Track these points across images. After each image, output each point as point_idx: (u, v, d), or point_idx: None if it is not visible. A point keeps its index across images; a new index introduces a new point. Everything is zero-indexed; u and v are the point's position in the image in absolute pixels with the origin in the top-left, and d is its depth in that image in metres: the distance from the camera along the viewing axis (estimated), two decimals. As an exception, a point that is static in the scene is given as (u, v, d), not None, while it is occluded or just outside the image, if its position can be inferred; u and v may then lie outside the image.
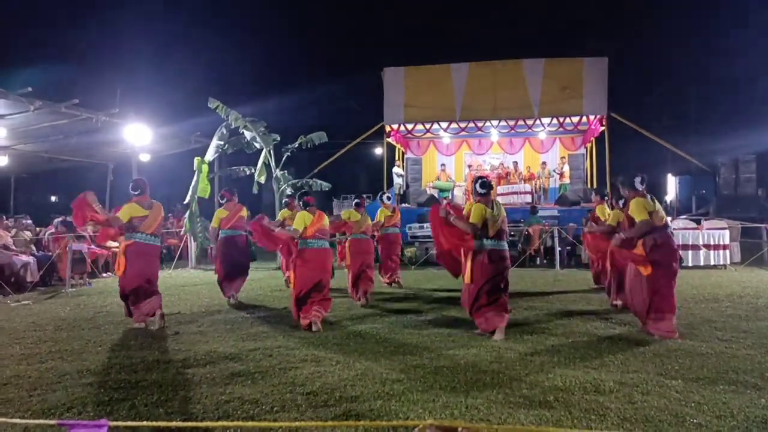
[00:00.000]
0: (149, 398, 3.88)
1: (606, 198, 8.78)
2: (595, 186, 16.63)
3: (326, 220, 6.62)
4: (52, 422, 2.14)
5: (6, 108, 10.55)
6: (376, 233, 9.58)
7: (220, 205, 8.59)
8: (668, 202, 21.38)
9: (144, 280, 6.36)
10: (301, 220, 6.36)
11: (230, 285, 8.34)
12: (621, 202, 7.06)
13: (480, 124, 17.81)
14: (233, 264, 8.35)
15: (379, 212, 9.92)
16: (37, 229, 13.01)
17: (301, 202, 6.56)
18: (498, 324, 5.71)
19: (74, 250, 10.29)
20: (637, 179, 5.81)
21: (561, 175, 18.05)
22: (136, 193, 6.48)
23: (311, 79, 30.02)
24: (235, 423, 3.35)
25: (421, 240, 14.60)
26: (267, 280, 10.83)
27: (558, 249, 12.85)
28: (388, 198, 10.32)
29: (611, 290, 7.55)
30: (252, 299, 8.54)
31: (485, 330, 5.78)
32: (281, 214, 10.03)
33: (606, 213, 8.80)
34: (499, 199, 16.43)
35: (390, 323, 6.49)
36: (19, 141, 13.30)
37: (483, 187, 5.92)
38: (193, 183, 14.36)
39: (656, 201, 5.81)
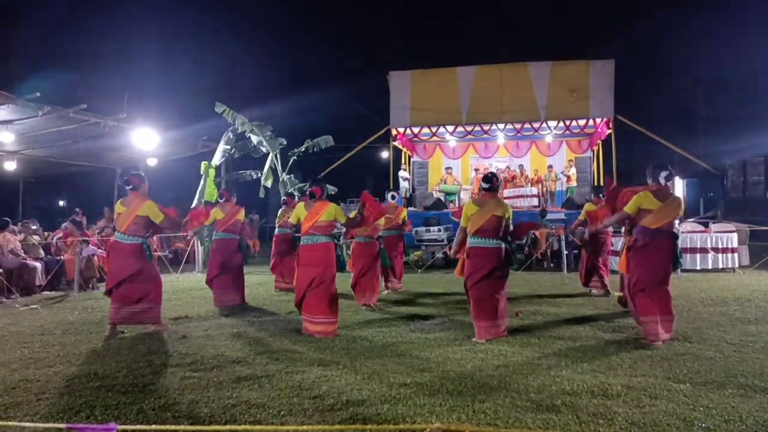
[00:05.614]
0: (157, 402, 3.89)
1: (602, 196, 8.61)
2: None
3: (326, 213, 6.04)
4: (61, 426, 2.14)
5: (14, 113, 10.61)
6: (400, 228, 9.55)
7: (218, 203, 8.44)
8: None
9: (117, 279, 6.28)
10: (295, 214, 6.31)
11: (222, 294, 8.17)
12: None
13: (486, 128, 17.80)
14: (223, 268, 8.18)
15: None
16: (45, 233, 13.09)
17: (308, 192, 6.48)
18: (487, 335, 5.63)
19: (84, 254, 10.34)
20: (663, 173, 5.62)
21: (568, 178, 18.02)
22: (128, 188, 6.43)
23: (317, 83, 30.08)
24: (243, 427, 3.36)
25: (427, 243, 14.55)
26: (273, 284, 10.81)
27: (565, 252, 12.82)
28: (393, 197, 10.12)
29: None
30: (258, 303, 8.54)
31: (480, 338, 5.67)
32: (279, 213, 10.07)
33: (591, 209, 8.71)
34: (506, 202, 16.62)
35: (396, 327, 6.48)
36: (27, 146, 13.37)
37: (485, 181, 5.96)
38: (200, 187, 14.46)
39: (668, 201, 5.55)
